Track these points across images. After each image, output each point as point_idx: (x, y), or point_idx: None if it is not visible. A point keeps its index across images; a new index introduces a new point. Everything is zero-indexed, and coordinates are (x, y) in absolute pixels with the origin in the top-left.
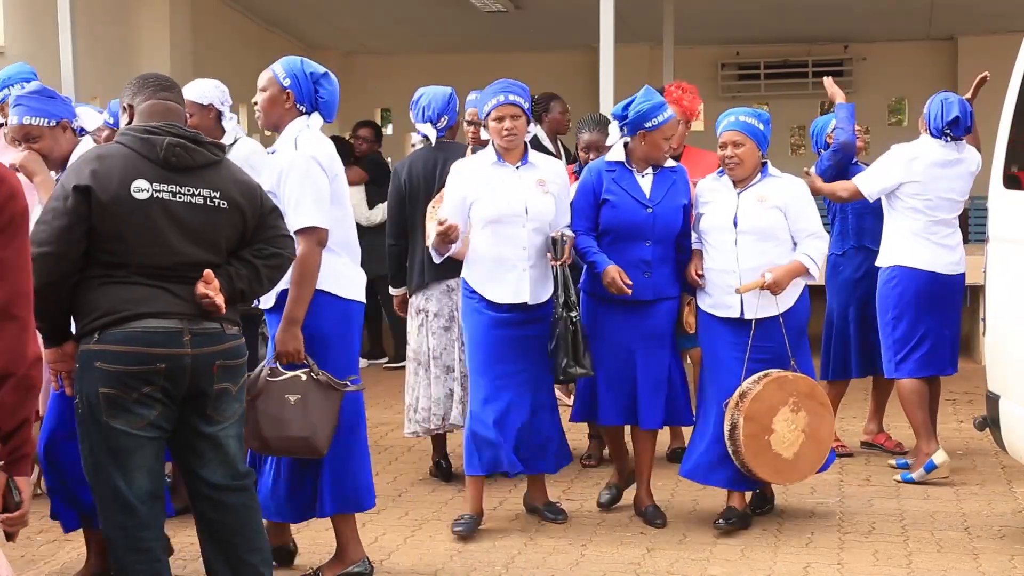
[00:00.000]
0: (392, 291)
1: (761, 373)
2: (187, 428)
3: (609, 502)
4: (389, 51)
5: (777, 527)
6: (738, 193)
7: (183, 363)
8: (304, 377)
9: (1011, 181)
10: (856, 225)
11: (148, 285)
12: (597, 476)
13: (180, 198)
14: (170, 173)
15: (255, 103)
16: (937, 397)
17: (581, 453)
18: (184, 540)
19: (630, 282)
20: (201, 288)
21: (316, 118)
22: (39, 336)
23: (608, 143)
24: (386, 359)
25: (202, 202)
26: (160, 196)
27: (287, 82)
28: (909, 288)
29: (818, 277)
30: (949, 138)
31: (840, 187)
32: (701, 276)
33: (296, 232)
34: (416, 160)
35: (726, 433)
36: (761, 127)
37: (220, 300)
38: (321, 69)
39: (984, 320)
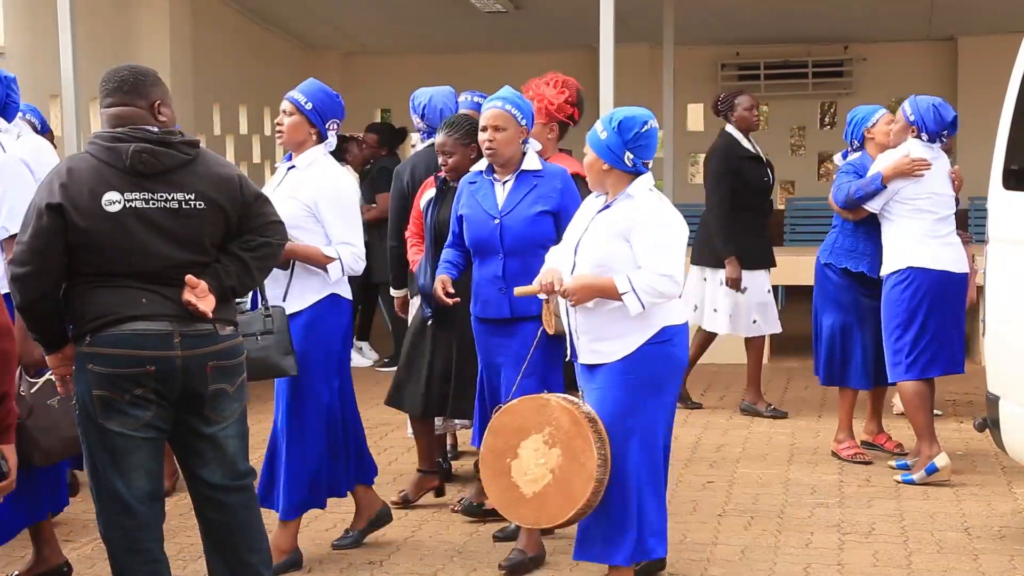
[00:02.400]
0: (393, 292)
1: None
2: (185, 429)
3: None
4: (389, 51)
5: (777, 527)
6: (595, 214)
7: (173, 365)
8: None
9: (1013, 181)
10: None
11: (137, 288)
12: None
13: (154, 205)
14: (140, 180)
15: None
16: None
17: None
18: (184, 540)
19: (451, 291)
20: (186, 295)
21: (2, 122)
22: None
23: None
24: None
25: (177, 207)
26: (133, 205)
27: None
28: (921, 288)
29: (635, 310)
30: (942, 139)
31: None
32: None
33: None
34: (419, 161)
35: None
36: (603, 135)
37: (205, 305)
38: (11, 74)
39: (984, 320)
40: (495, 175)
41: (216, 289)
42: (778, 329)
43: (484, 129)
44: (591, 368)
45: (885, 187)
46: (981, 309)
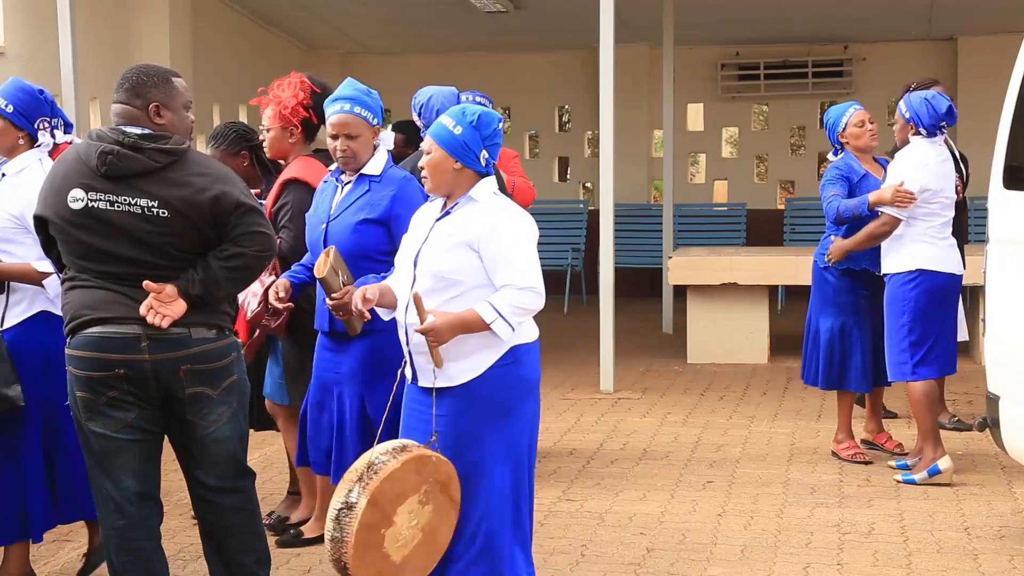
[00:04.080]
0: None
1: (398, 444)
2: (175, 431)
3: None
4: (389, 51)
5: (777, 527)
6: (434, 221)
7: (142, 368)
8: None
9: (1013, 180)
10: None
11: (109, 290)
12: (597, 476)
13: (118, 207)
14: (107, 181)
15: None
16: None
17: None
18: (184, 541)
19: (283, 295)
20: (145, 304)
21: None
22: None
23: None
24: None
25: (141, 212)
26: (96, 206)
27: None
28: (928, 291)
29: (506, 337)
30: (942, 131)
31: (875, 228)
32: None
33: None
34: (418, 164)
35: (332, 512)
36: (458, 131)
37: (163, 313)
38: None
39: (984, 320)
40: (341, 176)
41: (183, 296)
42: (965, 337)
43: (335, 137)
44: (430, 392)
45: (870, 212)
46: (981, 309)
